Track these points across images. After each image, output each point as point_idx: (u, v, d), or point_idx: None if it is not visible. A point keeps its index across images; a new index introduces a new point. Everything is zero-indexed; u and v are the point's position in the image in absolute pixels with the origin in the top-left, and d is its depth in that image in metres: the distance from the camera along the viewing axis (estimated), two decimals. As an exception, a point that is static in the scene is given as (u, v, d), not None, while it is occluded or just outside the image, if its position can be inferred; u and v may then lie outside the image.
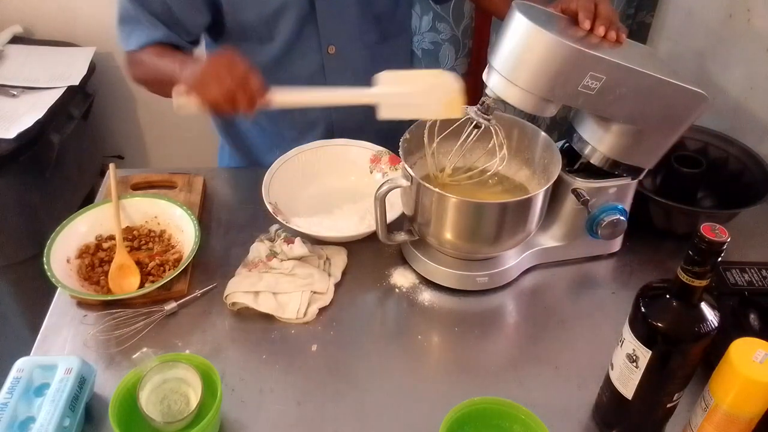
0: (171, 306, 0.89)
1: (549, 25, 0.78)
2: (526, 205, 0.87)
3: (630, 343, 0.69)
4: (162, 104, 2.01)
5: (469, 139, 0.89)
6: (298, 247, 0.94)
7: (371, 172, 1.10)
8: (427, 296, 0.95)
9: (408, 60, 1.27)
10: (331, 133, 1.17)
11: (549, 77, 0.79)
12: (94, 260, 0.94)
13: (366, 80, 0.88)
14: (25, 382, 0.74)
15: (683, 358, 0.67)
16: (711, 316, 0.65)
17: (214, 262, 0.98)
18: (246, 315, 0.90)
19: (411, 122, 0.94)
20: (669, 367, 0.68)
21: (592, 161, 0.91)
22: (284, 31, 1.04)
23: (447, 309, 0.93)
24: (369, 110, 1.08)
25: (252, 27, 1.03)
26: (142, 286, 0.91)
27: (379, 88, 0.86)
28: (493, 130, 0.88)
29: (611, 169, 0.91)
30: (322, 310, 0.91)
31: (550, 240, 0.99)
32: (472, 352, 0.88)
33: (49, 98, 1.47)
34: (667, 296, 0.66)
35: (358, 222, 1.02)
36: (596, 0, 0.85)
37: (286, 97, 0.86)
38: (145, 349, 0.74)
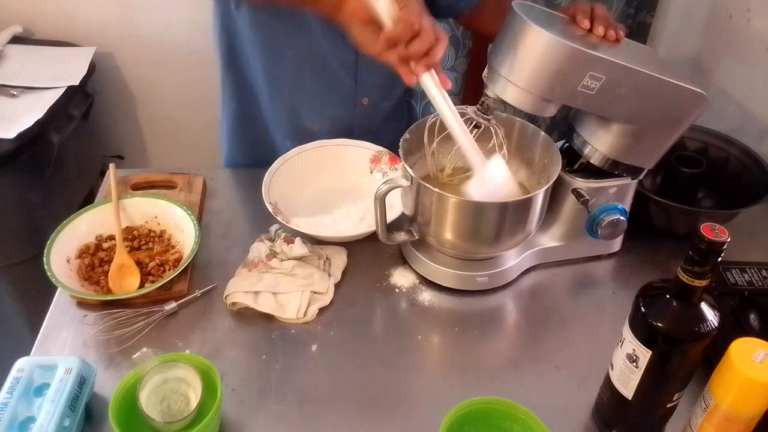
0: (171, 306, 0.89)
1: (549, 25, 0.78)
2: (526, 205, 0.87)
3: (630, 343, 0.69)
4: (162, 104, 2.02)
5: (469, 139, 0.89)
6: (298, 247, 0.94)
7: (371, 172, 1.10)
8: (427, 296, 0.95)
9: None
10: (351, 131, 1.17)
11: (549, 77, 0.79)
12: (94, 260, 0.94)
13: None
14: (25, 382, 0.74)
15: (683, 358, 0.67)
16: (711, 316, 0.65)
17: (214, 262, 0.98)
18: (246, 315, 0.90)
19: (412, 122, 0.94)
20: (669, 367, 0.68)
21: (592, 161, 0.91)
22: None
23: (447, 309, 0.93)
24: (390, 112, 1.07)
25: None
26: (142, 286, 0.91)
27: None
28: (492, 130, 0.88)
29: (611, 169, 0.91)
30: (322, 310, 0.91)
31: (550, 240, 0.99)
32: (472, 352, 0.88)
33: (49, 98, 1.47)
34: (667, 296, 0.66)
35: (358, 222, 1.02)
36: (592, 4, 0.86)
37: (431, 87, 0.80)
38: (145, 349, 0.74)
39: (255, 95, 1.14)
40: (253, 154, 1.20)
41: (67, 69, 1.58)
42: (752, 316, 0.83)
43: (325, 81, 1.10)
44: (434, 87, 0.80)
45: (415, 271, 0.97)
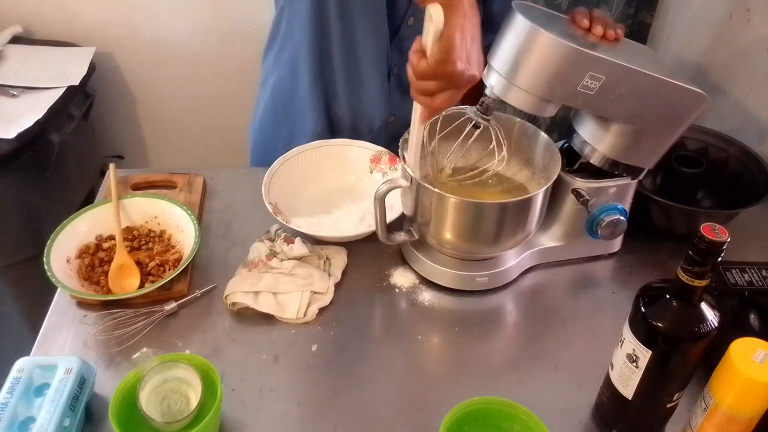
0: (171, 306, 0.89)
1: (549, 26, 0.78)
2: (525, 205, 0.87)
3: (630, 343, 0.69)
4: (162, 104, 2.02)
5: (469, 139, 0.89)
6: (298, 247, 0.94)
7: (371, 172, 1.10)
8: (427, 296, 0.95)
9: None
10: (370, 131, 1.18)
11: (548, 77, 0.79)
12: (94, 260, 0.94)
13: None
14: (25, 382, 0.74)
15: (683, 358, 0.67)
16: (711, 316, 0.65)
17: (214, 262, 0.98)
18: (246, 315, 0.90)
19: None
20: (669, 367, 0.68)
21: (591, 161, 0.91)
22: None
23: (447, 309, 0.93)
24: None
25: None
26: (142, 286, 0.91)
27: None
28: (492, 131, 0.88)
29: (611, 169, 0.91)
30: (322, 310, 0.91)
31: (550, 240, 0.99)
32: (472, 352, 0.88)
33: (49, 98, 1.47)
34: (667, 296, 0.66)
35: (358, 222, 1.02)
36: (590, 8, 0.86)
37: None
38: (145, 349, 0.74)
39: (299, 74, 1.14)
40: (283, 138, 1.19)
41: (67, 69, 1.58)
42: (752, 316, 0.83)
43: (360, 92, 1.12)
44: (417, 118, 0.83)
45: (415, 271, 0.97)
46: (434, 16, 0.71)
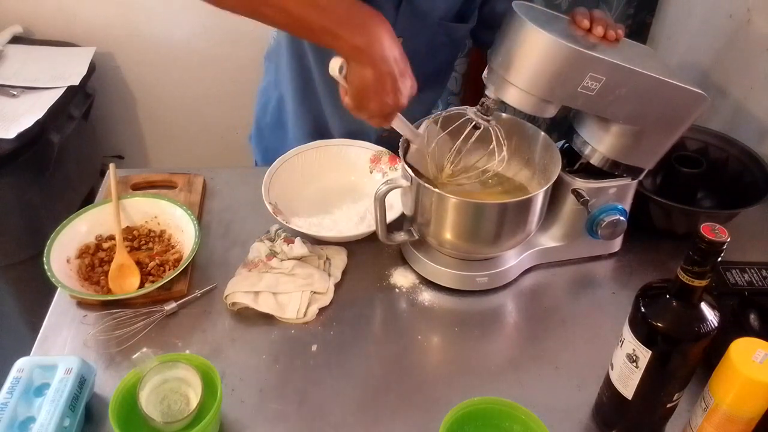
0: (171, 306, 0.89)
1: (549, 26, 0.78)
2: (525, 205, 0.87)
3: (630, 343, 0.69)
4: (162, 104, 2.02)
5: (469, 140, 0.89)
6: (298, 247, 0.94)
7: (371, 172, 1.10)
8: (427, 296, 0.95)
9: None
10: (378, 135, 1.18)
11: (548, 78, 0.79)
12: (94, 260, 0.94)
13: None
14: (25, 382, 0.74)
15: (683, 358, 0.67)
16: (711, 316, 0.65)
17: (214, 262, 0.98)
18: (246, 315, 0.90)
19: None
20: (669, 367, 0.68)
21: (592, 161, 0.91)
22: None
23: (447, 309, 0.93)
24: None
25: None
26: (142, 286, 0.91)
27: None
28: (492, 131, 0.88)
29: (611, 169, 0.91)
30: (322, 310, 0.91)
31: (550, 240, 0.99)
32: (472, 352, 0.88)
33: (49, 98, 1.47)
34: (667, 296, 0.66)
35: (358, 222, 1.02)
36: (590, 8, 0.86)
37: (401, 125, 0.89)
38: (144, 349, 0.74)
39: (285, 98, 1.17)
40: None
41: (67, 69, 1.58)
42: (752, 316, 0.83)
43: (348, 115, 1.12)
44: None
45: (415, 271, 0.97)
46: (330, 72, 0.80)
